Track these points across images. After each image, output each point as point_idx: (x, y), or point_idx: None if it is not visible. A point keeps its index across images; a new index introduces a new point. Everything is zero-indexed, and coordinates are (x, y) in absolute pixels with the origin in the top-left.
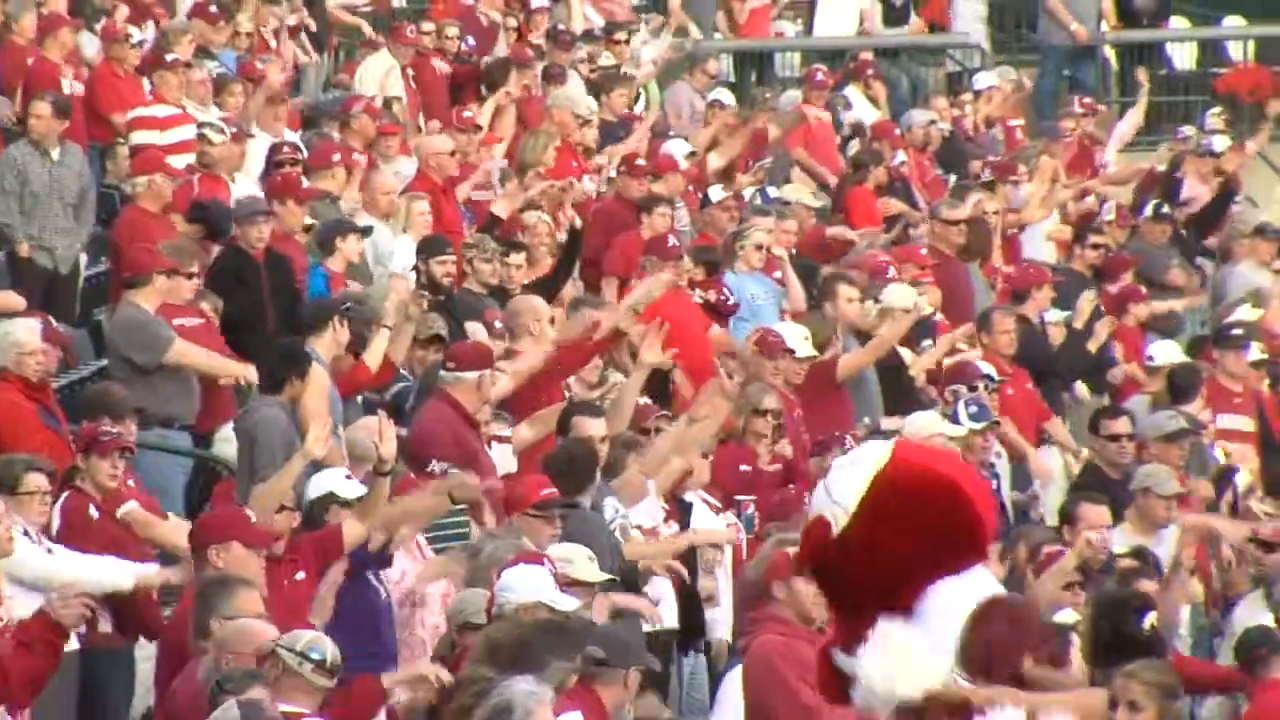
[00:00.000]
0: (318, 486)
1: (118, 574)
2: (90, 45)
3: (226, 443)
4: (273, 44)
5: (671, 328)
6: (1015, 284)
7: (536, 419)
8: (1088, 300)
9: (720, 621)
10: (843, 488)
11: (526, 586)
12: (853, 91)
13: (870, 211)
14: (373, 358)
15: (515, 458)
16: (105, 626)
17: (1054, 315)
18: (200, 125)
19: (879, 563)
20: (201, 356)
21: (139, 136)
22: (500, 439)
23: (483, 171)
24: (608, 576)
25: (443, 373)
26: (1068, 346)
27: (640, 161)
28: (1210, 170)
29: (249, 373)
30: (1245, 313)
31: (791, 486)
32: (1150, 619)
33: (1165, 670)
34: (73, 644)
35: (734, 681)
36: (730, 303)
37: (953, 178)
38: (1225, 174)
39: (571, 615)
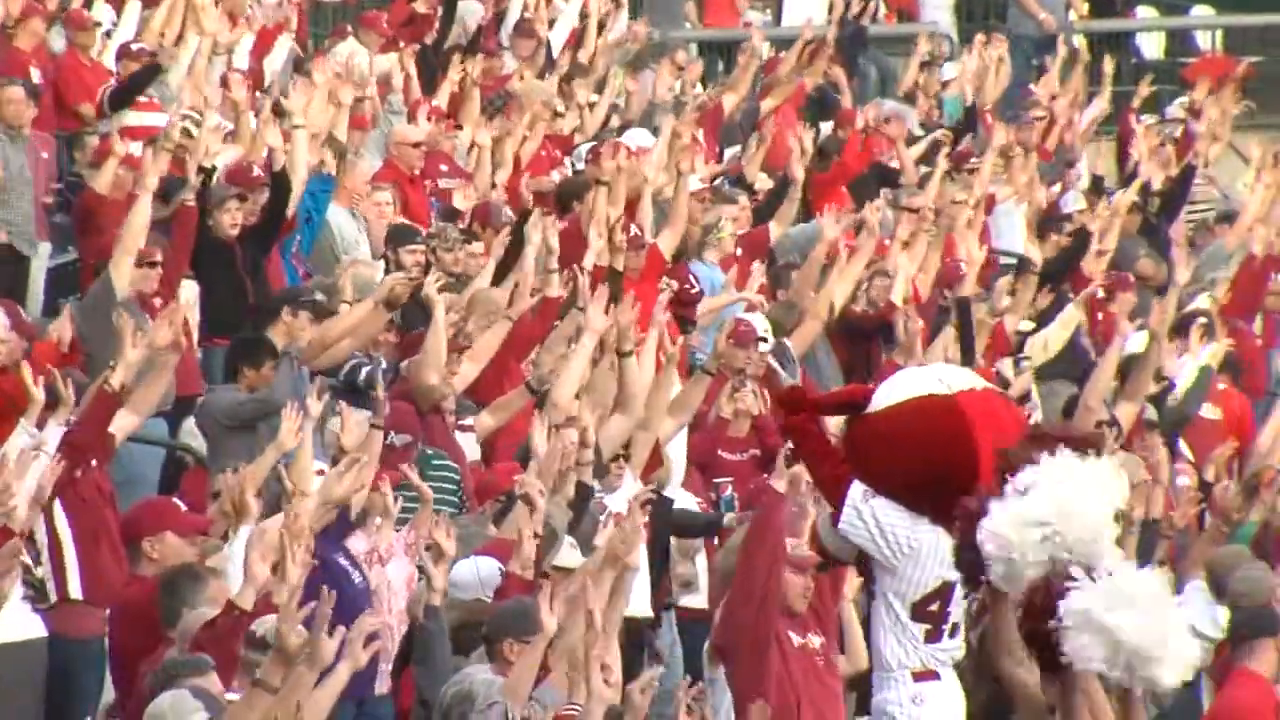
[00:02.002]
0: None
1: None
2: (57, 40)
3: (193, 435)
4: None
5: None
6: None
7: (497, 406)
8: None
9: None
10: (900, 385)
11: (469, 582)
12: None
13: (838, 199)
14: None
15: (479, 445)
16: (76, 591)
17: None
18: (183, 118)
19: (876, 450)
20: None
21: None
22: (464, 428)
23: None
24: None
25: (404, 363)
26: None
27: (602, 150)
28: (1171, 155)
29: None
30: (1202, 301)
31: (766, 475)
32: None
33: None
34: (41, 631)
35: None
36: (695, 291)
37: (922, 168)
38: (1185, 154)
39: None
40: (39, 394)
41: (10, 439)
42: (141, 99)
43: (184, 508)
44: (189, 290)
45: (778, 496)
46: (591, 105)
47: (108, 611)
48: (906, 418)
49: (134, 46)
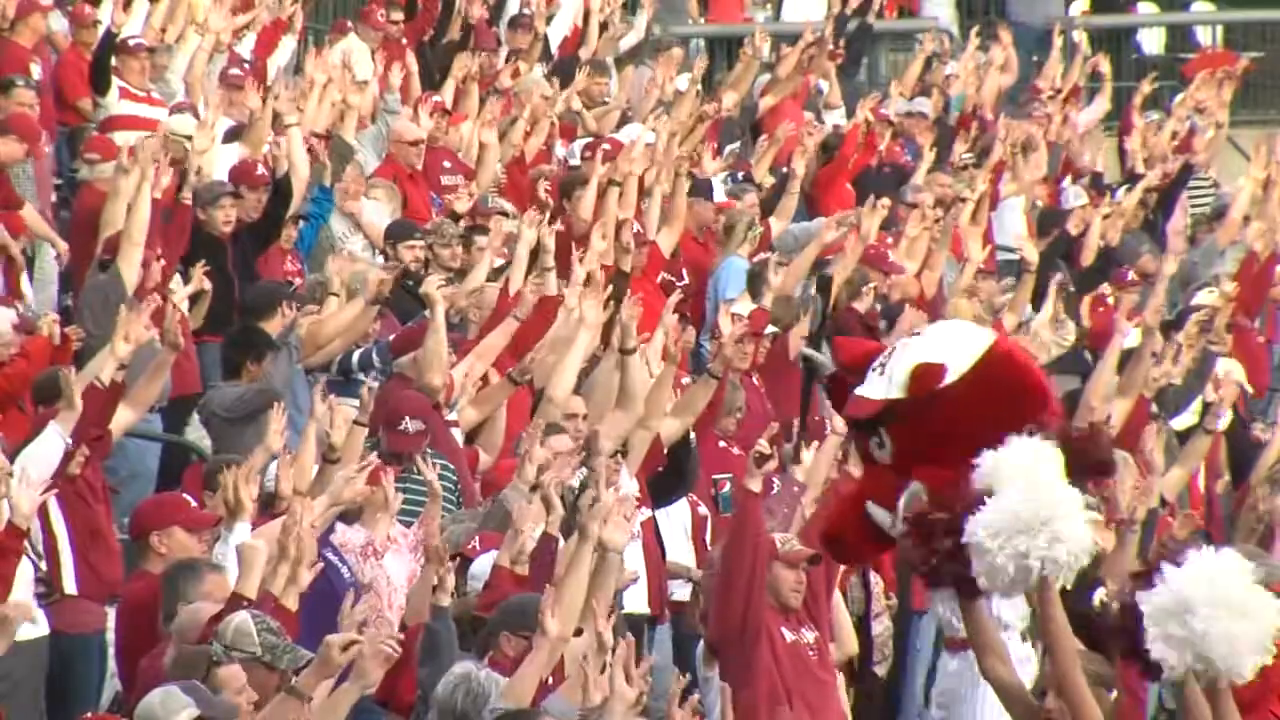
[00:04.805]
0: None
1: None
2: (57, 24)
3: (197, 431)
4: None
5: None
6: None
7: (481, 399)
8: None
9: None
10: (960, 349)
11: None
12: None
13: (841, 194)
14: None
15: (463, 438)
16: (70, 586)
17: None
18: (171, 133)
19: (969, 420)
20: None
21: (124, 108)
22: (449, 423)
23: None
24: None
25: (400, 360)
26: None
27: (604, 148)
28: (1168, 151)
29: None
30: (1205, 296)
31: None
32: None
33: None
34: (43, 629)
35: None
36: (688, 284)
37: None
38: (1184, 150)
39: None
40: (79, 403)
41: (38, 442)
42: (139, 92)
43: (193, 503)
44: (182, 288)
45: (750, 494)
46: (599, 103)
47: (112, 607)
48: (985, 374)
49: (132, 42)
